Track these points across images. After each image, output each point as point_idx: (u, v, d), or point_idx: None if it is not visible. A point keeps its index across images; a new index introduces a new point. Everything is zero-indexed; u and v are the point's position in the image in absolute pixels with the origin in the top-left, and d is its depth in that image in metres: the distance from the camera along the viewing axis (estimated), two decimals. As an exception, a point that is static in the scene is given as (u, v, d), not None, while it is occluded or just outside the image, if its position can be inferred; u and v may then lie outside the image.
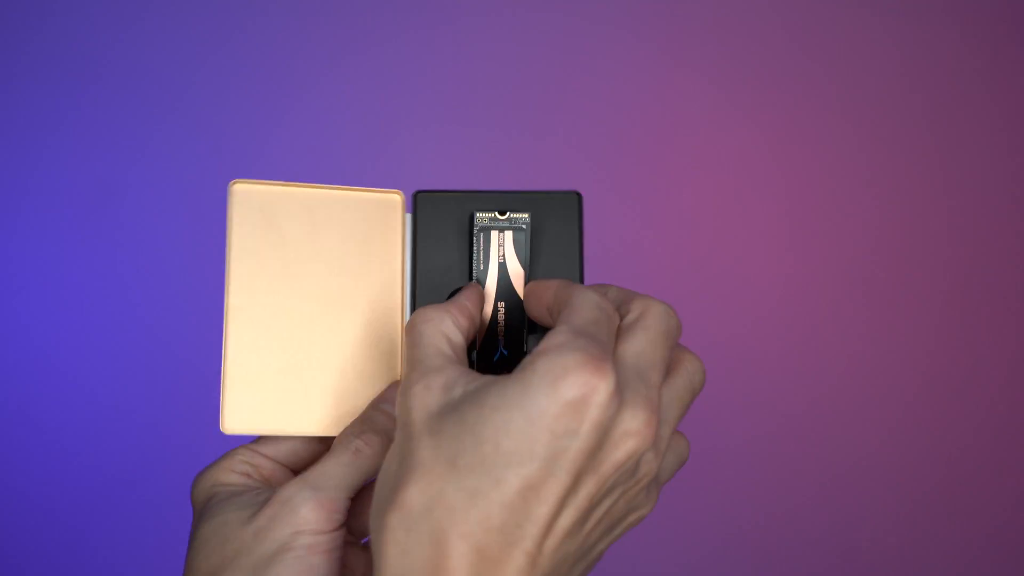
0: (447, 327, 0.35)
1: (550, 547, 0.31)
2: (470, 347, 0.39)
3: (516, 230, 0.38)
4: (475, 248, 0.38)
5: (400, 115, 1.07)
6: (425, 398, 0.33)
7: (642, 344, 0.34)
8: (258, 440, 0.40)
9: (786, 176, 1.07)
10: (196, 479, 0.40)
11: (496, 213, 0.38)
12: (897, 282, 1.07)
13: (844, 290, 1.07)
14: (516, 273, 0.39)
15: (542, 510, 0.31)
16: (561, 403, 0.30)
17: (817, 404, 1.08)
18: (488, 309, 0.39)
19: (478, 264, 0.38)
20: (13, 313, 1.08)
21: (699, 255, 1.07)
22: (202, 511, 0.38)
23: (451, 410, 0.32)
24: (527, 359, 0.31)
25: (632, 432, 0.31)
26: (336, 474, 0.37)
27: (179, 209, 1.07)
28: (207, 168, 1.07)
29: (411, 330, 0.35)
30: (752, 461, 1.09)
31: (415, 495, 0.31)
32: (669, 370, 0.35)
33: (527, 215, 0.38)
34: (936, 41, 1.05)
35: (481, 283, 0.38)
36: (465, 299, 0.37)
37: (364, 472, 0.38)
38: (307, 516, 0.36)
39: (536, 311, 0.38)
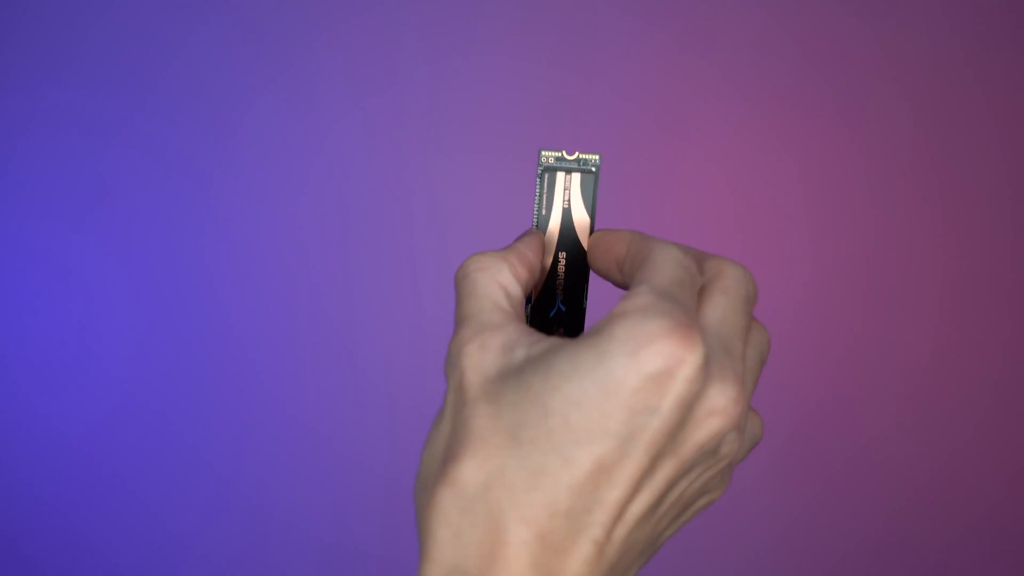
0: (505, 277, 0.31)
1: (620, 535, 0.28)
2: (528, 302, 0.36)
3: (584, 172, 0.35)
4: (539, 190, 0.35)
5: (401, 121, 1.05)
6: (482, 359, 0.29)
7: (724, 310, 0.30)
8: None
9: (786, 176, 1.07)
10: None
11: (564, 152, 0.35)
12: (900, 281, 1.07)
13: (845, 290, 1.07)
14: (581, 221, 0.35)
15: (614, 494, 0.27)
16: (643, 375, 0.26)
17: (816, 402, 1.08)
18: (548, 259, 0.35)
19: (540, 208, 0.35)
20: (13, 313, 1.07)
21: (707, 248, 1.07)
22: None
23: (512, 375, 0.28)
24: (604, 322, 0.28)
25: (718, 410, 0.28)
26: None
27: (178, 208, 1.07)
28: (207, 166, 1.06)
29: (463, 279, 0.31)
30: (751, 463, 1.09)
31: (471, 470, 0.27)
32: None
33: (598, 156, 0.35)
34: (937, 41, 1.06)
35: (543, 229, 0.35)
36: (525, 246, 0.33)
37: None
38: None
39: (603, 264, 0.34)
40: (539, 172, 0.35)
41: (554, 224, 0.35)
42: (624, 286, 0.34)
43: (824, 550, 1.08)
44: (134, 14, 1.05)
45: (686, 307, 0.29)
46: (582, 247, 0.36)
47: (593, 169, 0.35)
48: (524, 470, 0.27)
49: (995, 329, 1.07)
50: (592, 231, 0.35)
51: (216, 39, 1.05)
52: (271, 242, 1.06)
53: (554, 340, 0.29)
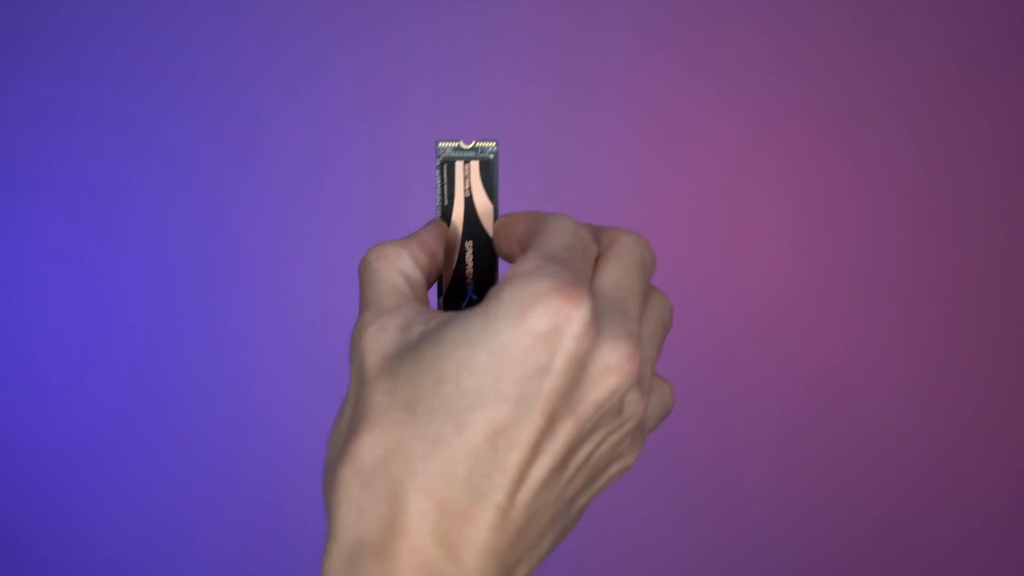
0: (404, 263, 0.32)
1: (523, 499, 0.28)
2: (440, 294, 0.36)
3: (483, 160, 0.35)
4: (439, 181, 0.35)
5: (397, 111, 1.06)
6: (380, 339, 0.29)
7: (618, 273, 0.30)
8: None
9: (782, 176, 1.06)
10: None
11: (461, 142, 0.35)
12: (897, 282, 1.07)
13: (844, 290, 1.07)
14: (484, 208, 0.36)
15: (513, 457, 0.27)
16: (530, 335, 0.27)
17: (816, 403, 1.08)
18: (455, 249, 0.36)
19: (442, 199, 0.35)
20: (12, 312, 1.08)
21: (696, 254, 1.07)
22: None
23: (408, 350, 0.29)
24: (492, 289, 0.28)
25: (613, 367, 0.28)
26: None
27: (178, 208, 1.07)
28: (207, 166, 1.07)
29: (364, 268, 0.32)
30: (751, 463, 1.08)
31: (368, 445, 0.28)
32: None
33: (494, 143, 0.35)
34: (938, 41, 1.05)
35: (446, 219, 0.35)
36: (425, 234, 0.34)
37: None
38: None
39: (507, 248, 0.34)
40: (438, 163, 0.35)
41: (458, 214, 0.35)
42: None
43: (824, 553, 1.08)
44: (132, 15, 1.06)
45: (575, 269, 0.29)
46: (487, 235, 0.36)
47: (491, 156, 0.35)
48: (421, 440, 0.27)
49: (996, 330, 1.06)
50: (496, 217, 0.35)
51: (218, 36, 1.06)
52: (272, 243, 1.07)
53: (450, 313, 0.29)
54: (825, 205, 1.06)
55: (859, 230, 1.06)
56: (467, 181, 0.36)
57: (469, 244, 0.36)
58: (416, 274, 0.32)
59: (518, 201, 1.07)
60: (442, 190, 0.35)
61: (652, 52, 1.05)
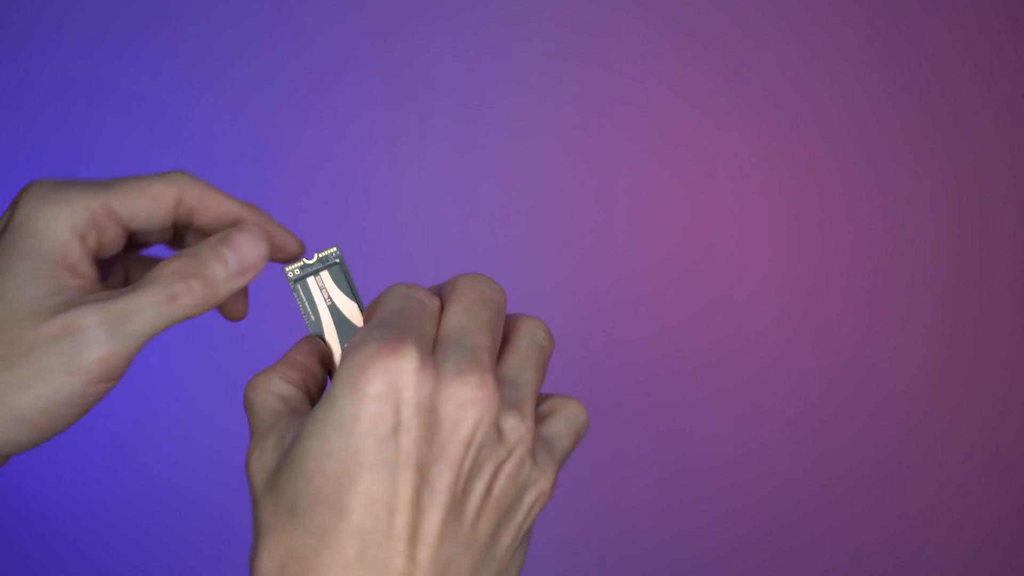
0: (275, 386, 0.33)
1: (426, 556, 0.29)
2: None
3: (331, 268, 0.37)
4: (299, 302, 0.36)
5: (399, 112, 1.06)
6: (261, 461, 0.30)
7: (457, 315, 0.31)
8: (119, 192, 0.34)
9: (782, 176, 1.05)
10: (39, 191, 0.33)
11: (303, 260, 0.37)
12: (899, 283, 1.05)
13: (846, 292, 1.06)
14: (350, 309, 0.37)
15: (398, 520, 0.28)
16: (369, 400, 0.28)
17: (818, 406, 1.07)
18: (336, 356, 0.37)
19: (308, 316, 0.36)
20: None
21: (696, 255, 1.06)
22: (15, 241, 0.32)
23: (283, 460, 0.30)
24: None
25: (466, 400, 0.28)
26: (142, 318, 0.31)
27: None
28: (199, 167, 1.08)
29: (245, 403, 0.33)
30: (751, 465, 1.08)
31: (265, 560, 0.29)
32: (506, 336, 0.33)
33: (335, 248, 0.37)
34: (939, 40, 1.04)
35: (318, 332, 0.36)
36: (294, 352, 0.35)
37: (175, 319, 0.32)
38: (89, 362, 0.31)
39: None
40: (292, 287, 0.36)
41: (328, 322, 0.37)
42: None
43: (827, 553, 1.08)
44: (131, 15, 1.07)
45: (400, 326, 0.30)
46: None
47: (337, 261, 0.36)
48: (308, 536, 0.28)
49: (997, 331, 1.05)
50: (363, 311, 0.36)
51: (214, 40, 1.06)
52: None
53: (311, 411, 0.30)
54: (830, 207, 1.05)
55: (860, 231, 1.05)
56: (324, 291, 0.36)
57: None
58: (289, 390, 0.33)
59: (518, 201, 1.07)
60: (304, 309, 0.36)
61: (650, 49, 1.05)
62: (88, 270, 0.33)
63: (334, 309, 0.37)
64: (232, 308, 0.37)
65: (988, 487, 1.06)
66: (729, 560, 1.08)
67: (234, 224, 0.35)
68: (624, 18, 1.05)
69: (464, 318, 0.31)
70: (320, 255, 0.37)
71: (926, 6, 1.03)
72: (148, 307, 0.31)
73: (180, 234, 0.37)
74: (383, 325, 0.30)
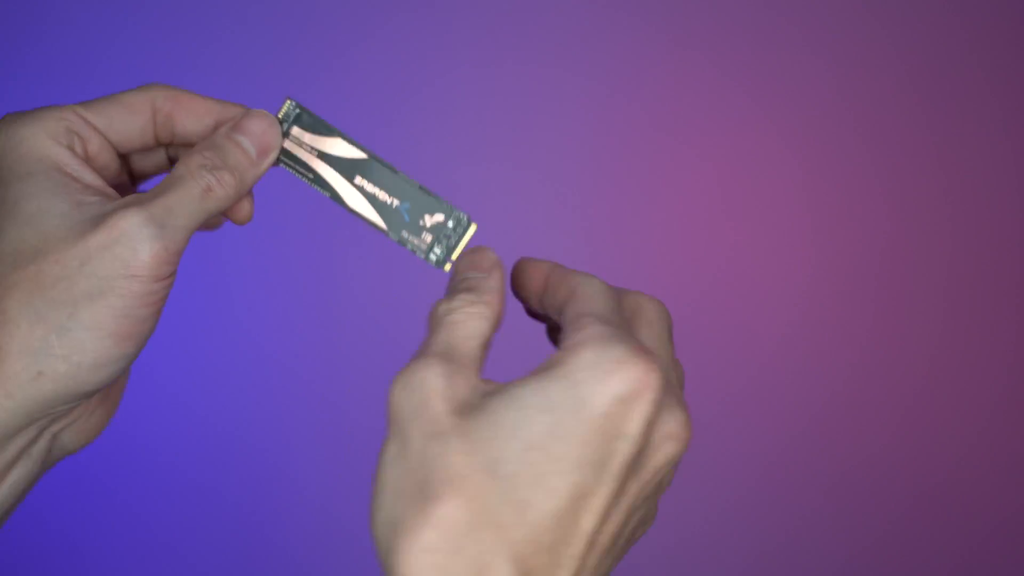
0: (486, 329, 0.31)
1: (591, 565, 0.29)
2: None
3: (296, 120, 0.36)
4: (295, 171, 0.35)
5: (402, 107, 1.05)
6: (452, 390, 0.29)
7: (655, 342, 0.32)
8: (89, 106, 0.34)
9: (782, 176, 1.06)
10: (4, 131, 0.32)
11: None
12: (904, 284, 1.06)
13: (849, 292, 1.06)
14: (339, 146, 0.36)
15: (588, 524, 0.28)
16: (614, 400, 0.27)
17: (820, 406, 1.08)
18: (357, 198, 0.36)
19: (308, 178, 0.36)
20: None
21: (697, 255, 1.06)
22: (9, 187, 0.31)
23: (479, 411, 0.28)
24: (564, 355, 0.29)
25: (674, 434, 0.29)
26: (184, 211, 0.32)
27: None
28: None
29: (446, 314, 0.31)
30: (753, 468, 1.08)
31: (454, 509, 0.27)
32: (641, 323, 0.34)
33: (288, 100, 0.35)
34: (942, 39, 1.05)
35: (329, 190, 0.36)
36: (498, 293, 0.33)
37: (210, 213, 0.33)
38: (146, 260, 0.30)
39: (523, 293, 0.35)
40: (279, 159, 0.35)
41: (327, 171, 0.36)
42: (536, 313, 0.35)
43: (828, 556, 1.08)
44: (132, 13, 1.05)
45: (635, 334, 0.30)
46: (363, 156, 0.36)
47: (298, 111, 0.36)
48: (508, 505, 0.27)
49: (1000, 331, 1.07)
50: (351, 141, 0.36)
51: (213, 37, 1.05)
52: (271, 242, 1.06)
53: (506, 383, 0.30)
54: (833, 206, 1.06)
55: (863, 234, 1.06)
56: (304, 147, 0.36)
57: (361, 180, 0.36)
58: (486, 343, 0.32)
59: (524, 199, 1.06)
60: (300, 172, 0.36)
61: (650, 47, 1.05)
62: (95, 180, 0.33)
63: (324, 156, 0.36)
64: (239, 209, 0.36)
65: (994, 491, 1.07)
66: (727, 562, 1.09)
67: (216, 125, 0.35)
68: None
69: (661, 348, 0.32)
70: (280, 116, 0.36)
71: (929, 6, 1.05)
72: (188, 201, 0.32)
73: (172, 158, 0.38)
74: (617, 325, 0.29)
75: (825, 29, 1.05)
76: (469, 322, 0.31)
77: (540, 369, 0.29)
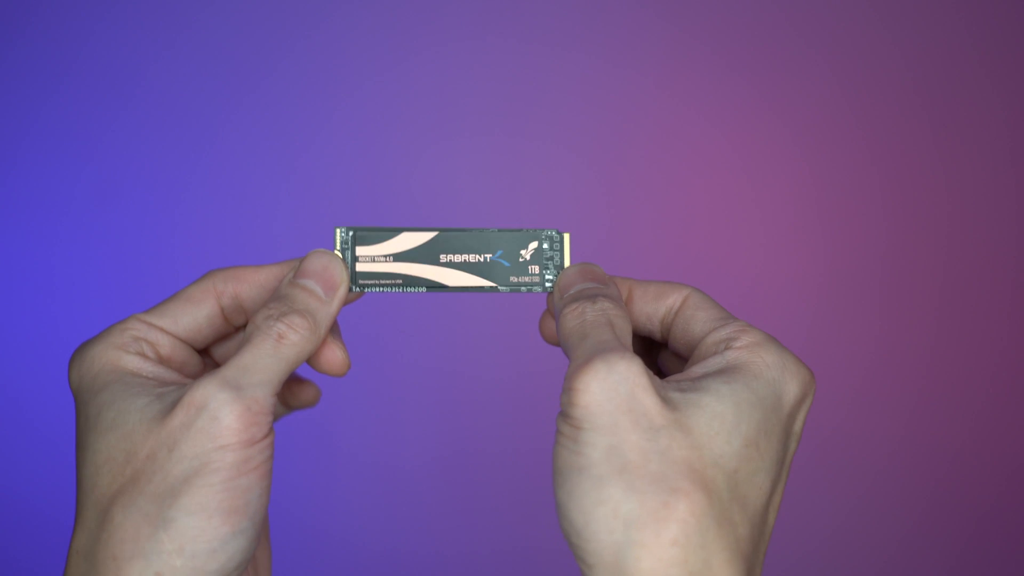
0: (631, 329, 0.33)
1: (761, 559, 0.29)
2: None
3: (354, 240, 0.35)
4: (382, 288, 0.35)
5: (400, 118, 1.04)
6: (652, 386, 0.28)
7: None
8: (152, 310, 0.34)
9: (781, 177, 1.07)
10: (76, 358, 0.33)
11: (341, 250, 0.35)
12: (904, 285, 1.08)
13: (850, 293, 1.08)
14: (403, 241, 0.36)
15: (772, 519, 0.29)
16: (795, 400, 0.29)
17: (821, 407, 1.07)
18: (447, 277, 0.36)
19: (397, 285, 0.35)
20: (10, 313, 1.05)
21: (698, 256, 1.07)
22: (88, 405, 0.31)
23: (690, 406, 0.28)
24: (740, 355, 0.30)
25: (798, 433, 0.31)
26: (259, 367, 0.30)
27: (177, 209, 1.05)
28: (202, 167, 1.05)
29: (603, 315, 0.31)
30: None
31: (697, 504, 0.27)
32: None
33: (337, 229, 0.36)
34: (943, 38, 1.06)
35: (422, 283, 0.35)
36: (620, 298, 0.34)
37: (290, 363, 0.31)
38: (231, 426, 0.29)
39: (644, 311, 0.35)
40: (361, 289, 0.35)
41: (408, 267, 0.35)
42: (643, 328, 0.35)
43: (831, 557, 1.09)
44: (132, 11, 1.03)
45: None
46: (438, 237, 0.36)
47: (351, 233, 0.35)
48: (736, 502, 0.27)
49: (1001, 331, 1.08)
50: (408, 230, 0.36)
51: (217, 40, 1.03)
52: (268, 244, 1.05)
53: (699, 378, 0.30)
54: (834, 207, 1.07)
55: (864, 236, 1.08)
56: (375, 259, 0.35)
57: (445, 257, 0.36)
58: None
59: (526, 195, 1.06)
60: (387, 284, 0.35)
61: (650, 46, 1.05)
62: (172, 376, 0.32)
63: (400, 256, 0.35)
64: (330, 359, 0.35)
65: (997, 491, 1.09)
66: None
67: (276, 287, 0.35)
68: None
69: None
70: (338, 247, 0.35)
71: (931, 6, 1.06)
72: (261, 356, 0.31)
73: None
74: (743, 322, 0.31)
75: (826, 29, 1.06)
76: (621, 322, 0.31)
77: (727, 368, 0.29)
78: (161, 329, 0.33)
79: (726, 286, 1.07)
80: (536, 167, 1.06)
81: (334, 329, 0.35)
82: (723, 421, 0.28)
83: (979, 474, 1.09)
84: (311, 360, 0.34)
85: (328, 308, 0.33)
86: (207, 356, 0.36)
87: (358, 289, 0.35)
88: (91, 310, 1.06)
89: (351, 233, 0.35)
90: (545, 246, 0.36)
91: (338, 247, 0.35)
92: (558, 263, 0.36)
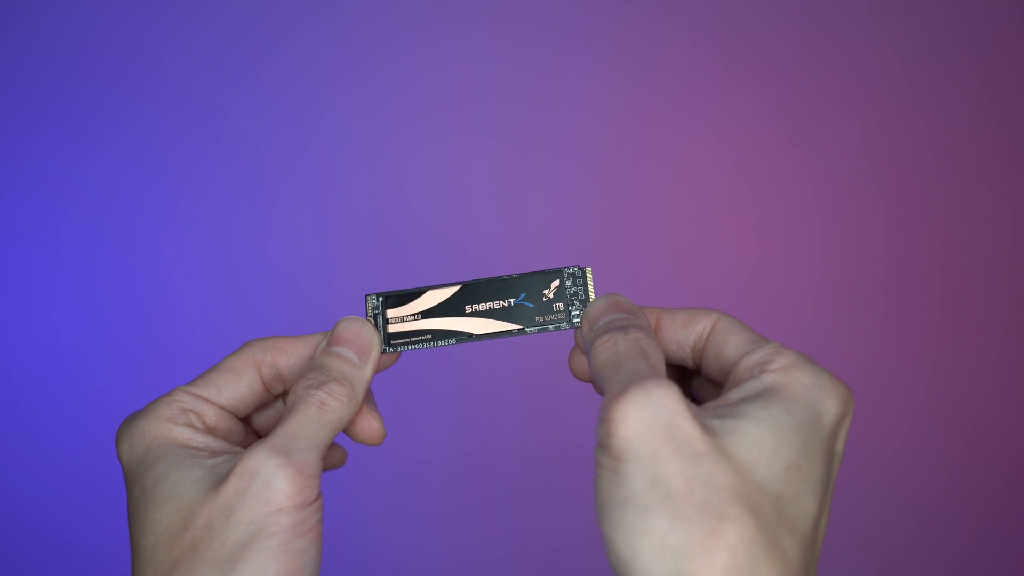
0: (663, 357, 0.33)
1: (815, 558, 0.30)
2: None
3: (383, 305, 0.37)
4: (417, 347, 0.36)
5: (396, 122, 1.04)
6: (690, 413, 0.28)
7: None
8: (196, 382, 0.35)
9: (783, 178, 1.07)
10: (125, 432, 0.33)
11: (376, 314, 0.37)
12: (904, 285, 1.07)
13: (850, 293, 1.07)
14: (432, 298, 0.37)
15: (821, 541, 0.29)
16: (835, 420, 0.29)
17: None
18: (489, 327, 0.37)
19: (428, 340, 0.36)
20: (11, 313, 1.05)
21: (698, 257, 1.07)
22: (143, 478, 0.32)
23: (728, 432, 0.28)
24: (777, 378, 0.29)
25: (841, 453, 0.31)
26: (306, 433, 0.32)
27: (177, 210, 1.05)
28: (203, 168, 1.04)
29: (636, 345, 0.31)
30: None
31: (746, 531, 0.26)
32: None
33: (367, 297, 0.37)
34: (943, 39, 1.06)
35: (451, 336, 0.37)
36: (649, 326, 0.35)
37: (333, 428, 0.33)
38: (284, 490, 0.30)
39: (675, 337, 0.35)
40: (395, 349, 0.36)
41: (438, 322, 0.36)
42: (675, 355, 0.35)
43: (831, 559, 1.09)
44: (131, 12, 1.02)
45: None
46: (462, 289, 0.37)
47: (381, 299, 0.37)
48: (783, 527, 0.27)
49: (1002, 331, 1.08)
50: (432, 287, 0.37)
51: (221, 40, 1.03)
52: (268, 243, 1.05)
53: (736, 403, 0.30)
54: (834, 208, 1.07)
55: (864, 237, 1.07)
56: (405, 319, 0.37)
57: (471, 307, 0.37)
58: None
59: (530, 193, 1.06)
60: (420, 342, 0.36)
61: (650, 48, 1.05)
62: (222, 445, 0.34)
63: (427, 313, 0.36)
64: (366, 427, 0.36)
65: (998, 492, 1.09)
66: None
67: (312, 355, 0.36)
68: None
69: None
70: (369, 313, 0.37)
71: (933, 7, 1.06)
72: (306, 422, 0.32)
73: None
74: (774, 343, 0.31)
75: (828, 33, 1.06)
76: (654, 351, 0.31)
77: (763, 392, 0.29)
78: (207, 400, 0.35)
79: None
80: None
81: (369, 398, 0.36)
82: (763, 447, 0.28)
83: (978, 481, 1.09)
84: (349, 430, 0.35)
85: (363, 373, 0.34)
86: (247, 424, 0.37)
87: (391, 350, 0.36)
88: (92, 309, 1.06)
89: (380, 299, 0.36)
90: (568, 283, 0.36)
91: (369, 313, 0.36)
92: (583, 297, 0.36)
